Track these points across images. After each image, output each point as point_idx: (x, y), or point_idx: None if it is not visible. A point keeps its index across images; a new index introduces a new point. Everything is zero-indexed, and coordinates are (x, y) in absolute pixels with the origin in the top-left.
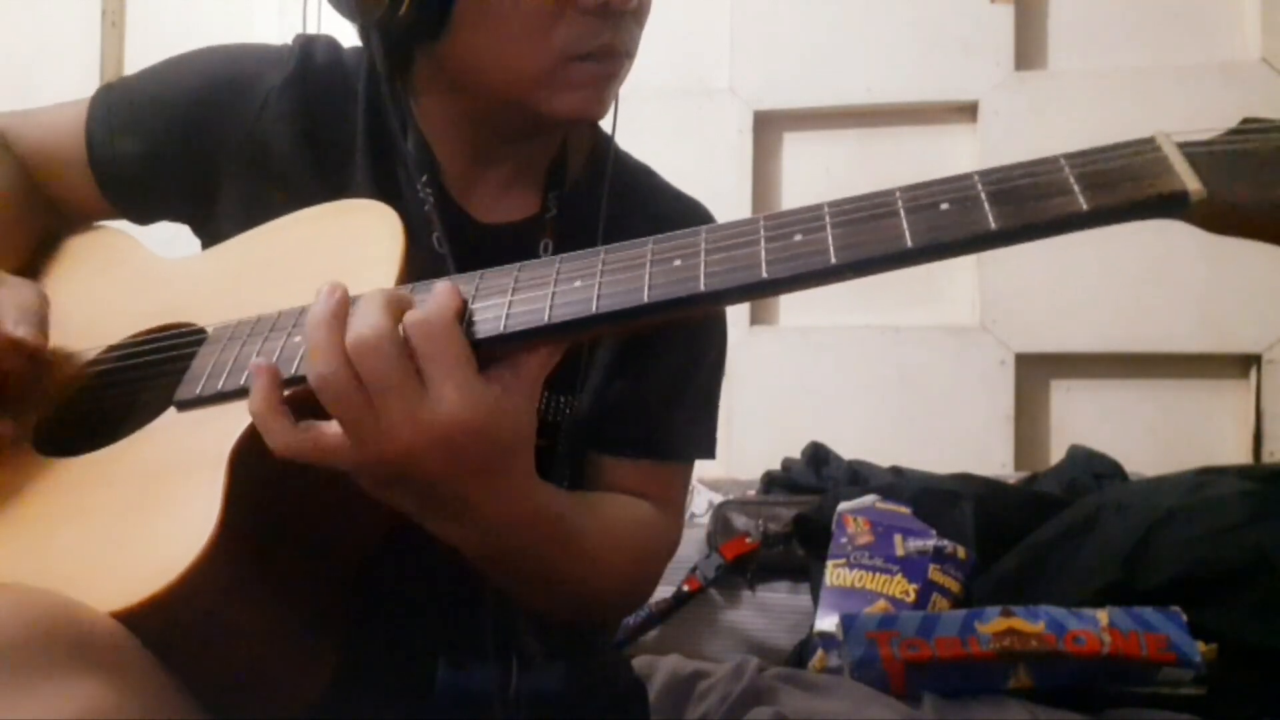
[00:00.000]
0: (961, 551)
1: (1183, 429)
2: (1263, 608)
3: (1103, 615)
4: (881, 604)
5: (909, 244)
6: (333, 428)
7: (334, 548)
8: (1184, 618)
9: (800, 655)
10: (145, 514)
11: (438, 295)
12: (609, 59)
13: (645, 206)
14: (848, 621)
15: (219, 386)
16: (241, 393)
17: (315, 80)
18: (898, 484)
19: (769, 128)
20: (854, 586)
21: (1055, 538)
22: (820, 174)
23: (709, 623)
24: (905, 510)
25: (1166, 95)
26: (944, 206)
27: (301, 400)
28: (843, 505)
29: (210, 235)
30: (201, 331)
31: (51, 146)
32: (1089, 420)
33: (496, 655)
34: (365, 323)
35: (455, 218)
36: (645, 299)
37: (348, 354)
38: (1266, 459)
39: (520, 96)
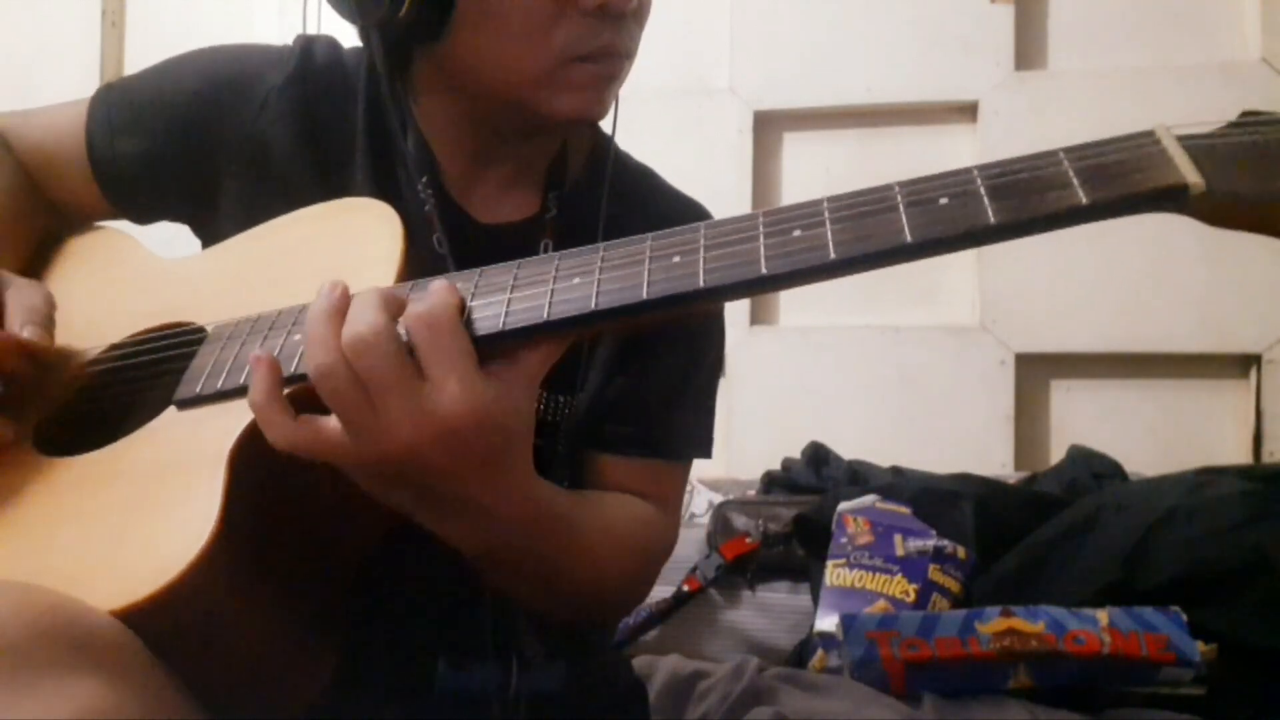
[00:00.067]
0: (961, 551)
1: (1183, 429)
2: (1263, 608)
3: (1103, 615)
4: (881, 604)
5: (908, 239)
6: (332, 422)
7: (334, 547)
8: (1184, 618)
9: (800, 655)
10: (145, 513)
11: (437, 290)
12: (609, 59)
13: (645, 207)
14: (848, 621)
15: (219, 385)
16: (241, 391)
17: (315, 80)
18: (898, 484)
19: (769, 128)
20: (854, 586)
21: (1055, 538)
22: (820, 174)
23: (709, 623)
24: (905, 510)
25: (1166, 95)
26: (943, 201)
27: (302, 398)
28: (843, 505)
29: (210, 235)
30: (201, 330)
31: (51, 147)
32: (1089, 420)
33: (496, 655)
34: (362, 320)
35: (455, 218)
36: (644, 295)
37: (344, 351)
38: (1266, 459)
39: (520, 97)
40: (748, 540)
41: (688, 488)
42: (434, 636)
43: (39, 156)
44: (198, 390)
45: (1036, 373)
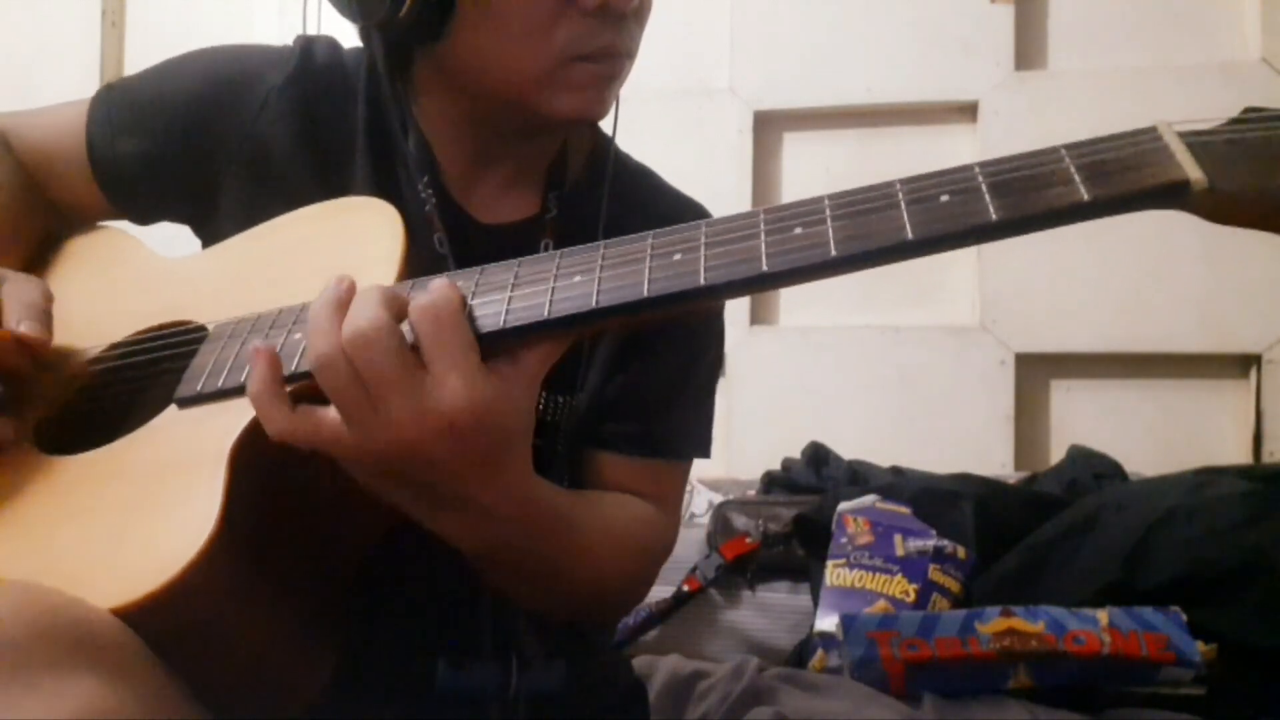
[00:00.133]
0: (961, 551)
1: (1183, 429)
2: (1263, 608)
3: (1103, 615)
4: (881, 604)
5: (909, 236)
6: (331, 414)
7: (334, 546)
8: (1184, 618)
9: (800, 655)
10: (146, 511)
11: (441, 285)
12: (609, 59)
13: (645, 207)
14: (848, 621)
15: (219, 384)
16: (242, 390)
17: (315, 80)
18: (898, 484)
19: (769, 128)
20: (854, 586)
21: (1055, 538)
22: (820, 174)
23: (709, 623)
24: (905, 510)
25: (1166, 95)
26: (944, 198)
27: (303, 396)
28: (843, 505)
29: (211, 235)
30: (202, 330)
31: (52, 147)
32: (1089, 420)
33: (496, 655)
34: (363, 315)
35: (455, 218)
36: (645, 293)
37: (344, 346)
38: (1266, 459)
39: (521, 97)
40: (748, 540)
41: (688, 488)
42: (434, 636)
43: (39, 157)
44: (198, 389)
45: (1036, 373)
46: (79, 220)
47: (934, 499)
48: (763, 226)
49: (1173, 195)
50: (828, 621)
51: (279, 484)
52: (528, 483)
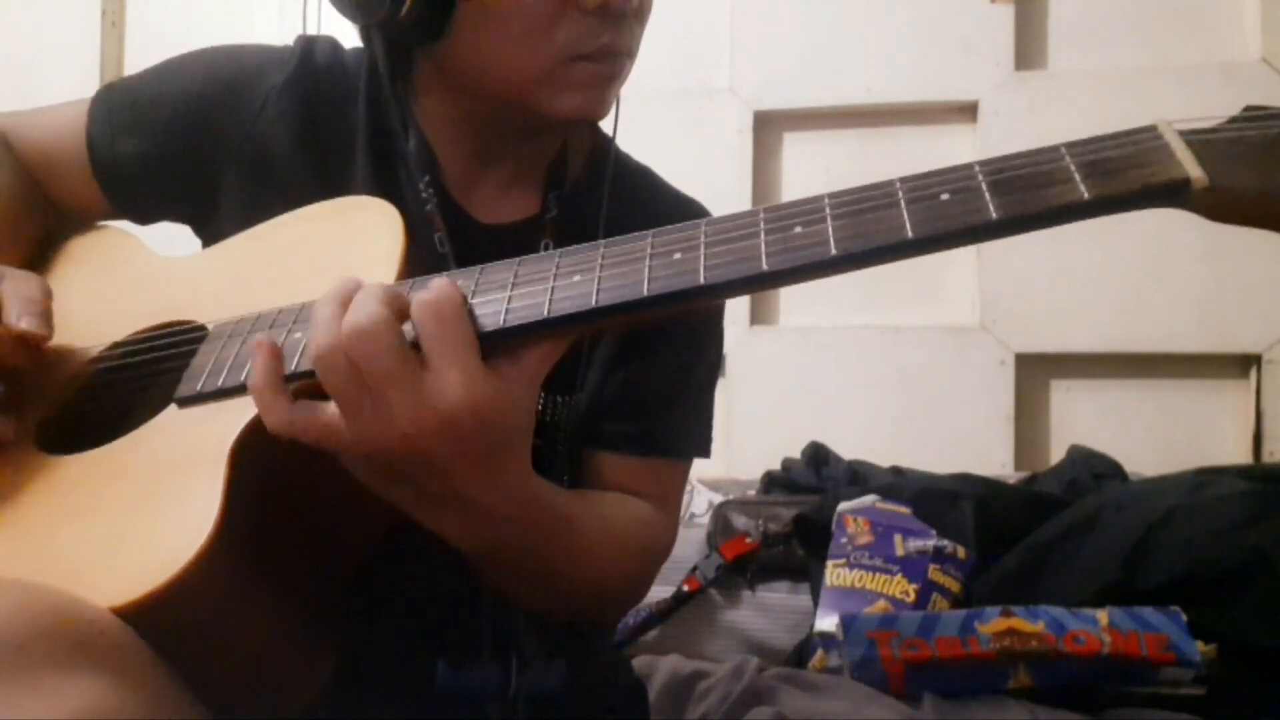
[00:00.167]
0: (961, 551)
1: (1183, 429)
2: (1263, 608)
3: (1103, 615)
4: (881, 604)
5: (909, 235)
6: (330, 408)
7: (334, 546)
8: (1184, 618)
9: (800, 655)
10: (146, 511)
11: (441, 283)
12: (610, 59)
13: (645, 207)
14: (848, 621)
15: (219, 383)
16: (242, 389)
17: (316, 81)
18: (898, 484)
19: (769, 128)
20: (854, 586)
21: (1055, 538)
22: (820, 174)
23: (709, 623)
24: (905, 510)
25: (1166, 95)
26: (945, 197)
27: (303, 393)
28: (843, 505)
29: (211, 235)
30: (202, 329)
31: (52, 147)
32: (1089, 420)
33: (495, 655)
34: (363, 310)
35: (455, 218)
36: (645, 292)
37: (343, 340)
38: (1266, 459)
39: (521, 97)
40: (748, 540)
41: (688, 488)
42: (434, 636)
43: (40, 156)
44: (198, 388)
45: (1036, 373)
46: (79, 220)
47: (934, 499)
48: (763, 225)
49: (1173, 194)
50: (828, 621)
51: (279, 483)
52: (528, 483)
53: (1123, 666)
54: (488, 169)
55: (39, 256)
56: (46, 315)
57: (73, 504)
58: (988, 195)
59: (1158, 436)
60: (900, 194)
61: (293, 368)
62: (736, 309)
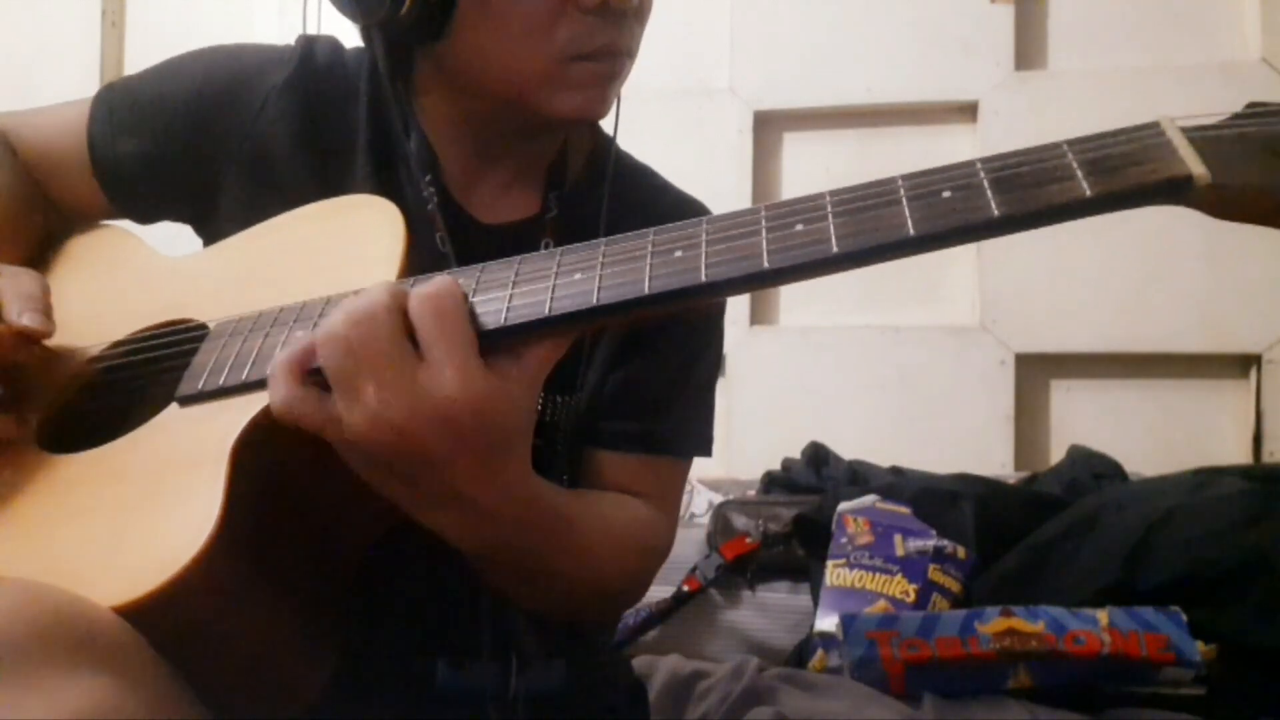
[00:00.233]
0: (961, 551)
1: (1183, 429)
2: (1263, 608)
3: (1103, 615)
4: (881, 604)
5: (911, 232)
6: (331, 396)
7: (334, 546)
8: (1184, 618)
9: (800, 655)
10: (147, 510)
11: (440, 279)
12: (610, 58)
13: (645, 206)
14: (848, 621)
15: (220, 382)
16: (243, 388)
17: (316, 80)
18: (898, 484)
19: (769, 128)
20: (854, 586)
21: (1055, 538)
22: (820, 174)
23: (709, 623)
24: (905, 510)
25: (1166, 95)
26: (946, 194)
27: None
28: (843, 505)
29: (212, 235)
30: (203, 328)
31: (53, 147)
32: (1089, 420)
33: (495, 655)
34: (366, 297)
35: (456, 217)
36: (646, 290)
37: (343, 321)
38: (1266, 459)
39: (521, 96)
40: (748, 540)
41: (688, 488)
42: (434, 636)
43: (40, 156)
44: (199, 387)
45: (1036, 373)
46: (80, 219)
47: (934, 499)
48: (764, 223)
49: (1175, 191)
50: (828, 621)
51: (280, 483)
52: (527, 482)
53: (1123, 666)
54: (488, 169)
55: (39, 256)
56: (47, 311)
57: (73, 503)
58: (989, 193)
59: (1158, 436)
60: (902, 191)
61: None
62: (736, 309)
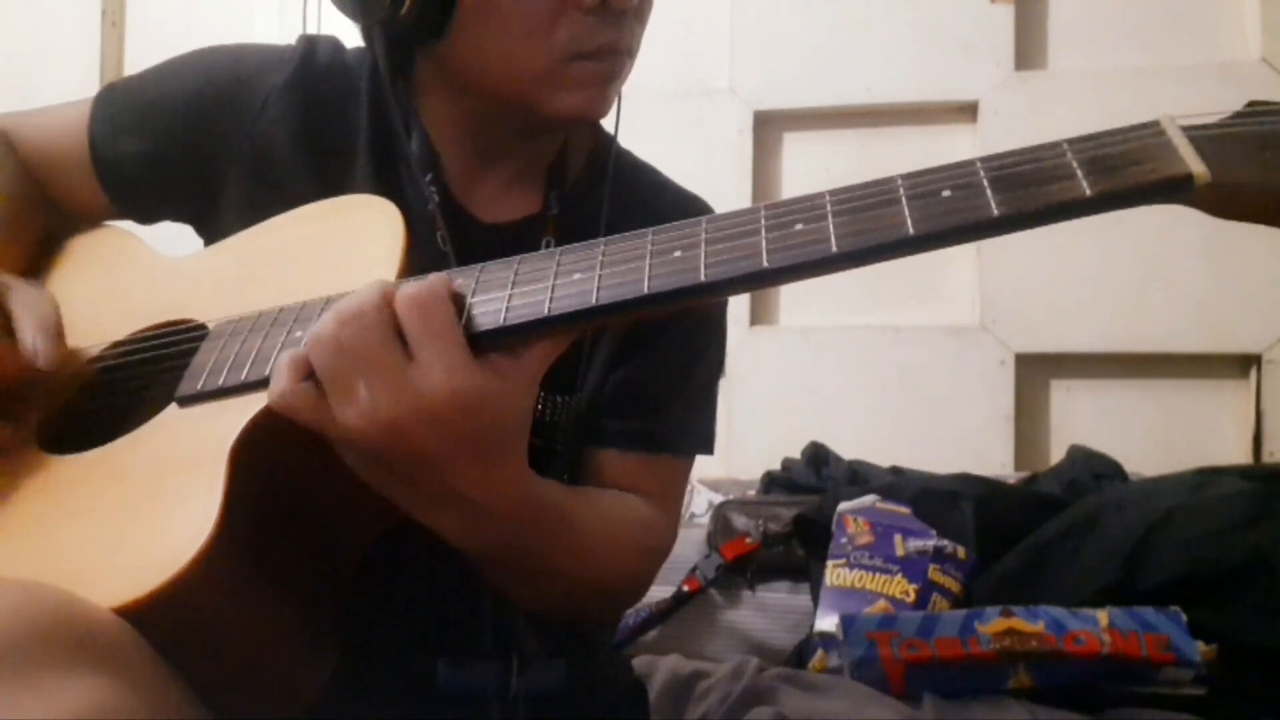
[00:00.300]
0: (961, 551)
1: (1183, 429)
2: (1263, 608)
3: (1103, 615)
4: (881, 604)
5: (910, 232)
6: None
7: (334, 545)
8: (1184, 618)
9: (800, 655)
10: (147, 510)
11: (428, 278)
12: (610, 58)
13: (647, 204)
14: (848, 621)
15: (220, 383)
16: (242, 388)
17: (317, 80)
18: (898, 484)
19: (769, 128)
20: (854, 586)
21: (1055, 538)
22: (820, 174)
23: (709, 623)
24: (905, 510)
25: (1166, 95)
26: (946, 194)
27: None
28: (843, 505)
29: (213, 235)
30: (203, 328)
31: (54, 147)
32: (1089, 420)
33: (496, 654)
34: (356, 296)
35: (457, 217)
36: (645, 290)
37: (333, 320)
38: (1266, 459)
39: (522, 96)
40: (748, 540)
41: (688, 487)
42: (434, 636)
43: (41, 157)
44: (199, 387)
45: (1036, 373)
46: (81, 219)
47: (934, 499)
48: (763, 222)
49: (1176, 189)
50: (828, 621)
51: (280, 483)
52: (525, 481)
53: (1123, 666)
54: (489, 168)
55: (41, 256)
56: (60, 333)
57: (74, 504)
58: (989, 192)
59: (1158, 436)
60: (901, 191)
61: None
62: (736, 309)
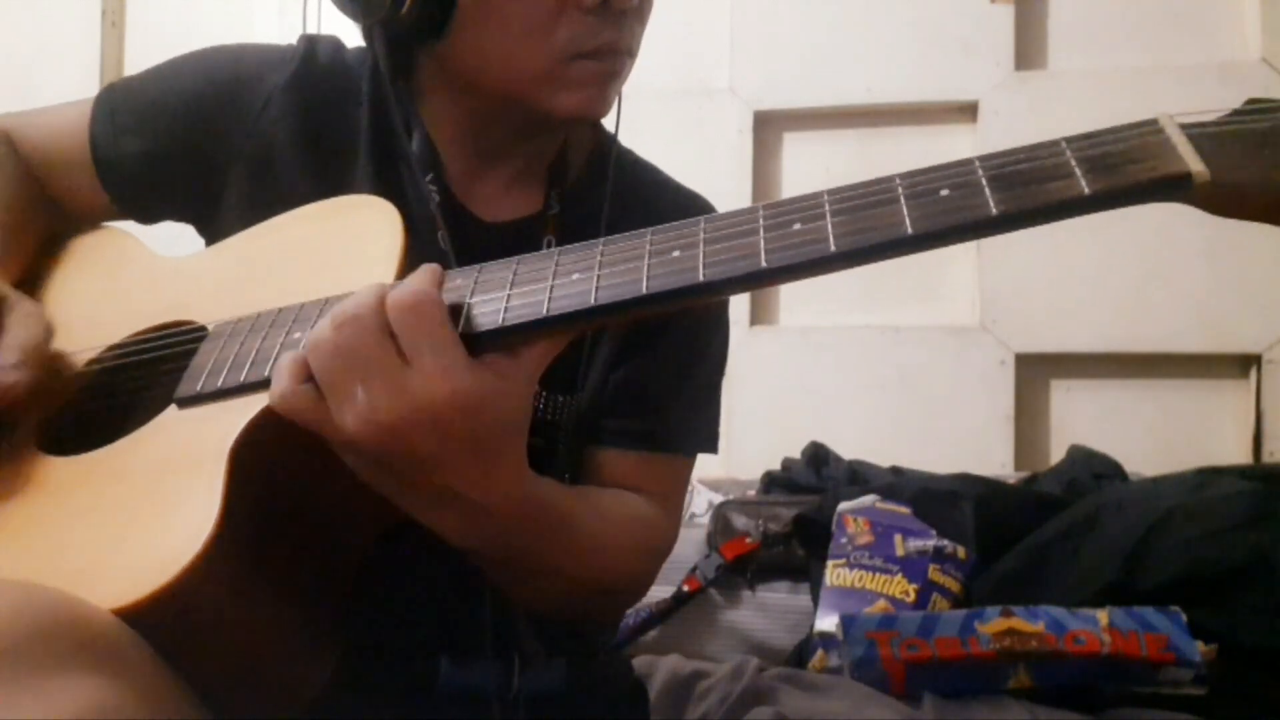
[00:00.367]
0: (961, 551)
1: (1183, 429)
2: (1263, 608)
3: (1103, 615)
4: (881, 604)
5: (909, 231)
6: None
7: (335, 545)
8: (1184, 618)
9: (800, 655)
10: (146, 511)
11: (416, 281)
12: (610, 57)
13: (647, 203)
14: (848, 621)
15: (219, 384)
16: (241, 389)
17: (318, 80)
18: (898, 484)
19: (769, 128)
20: (854, 586)
21: (1055, 538)
22: (820, 174)
23: (709, 623)
24: (905, 510)
25: (1166, 95)
26: (944, 193)
27: None
28: (843, 505)
29: (214, 235)
30: (202, 329)
31: (55, 147)
32: (1089, 420)
33: (497, 654)
34: (351, 299)
35: (458, 216)
36: (644, 290)
37: (330, 324)
38: (1266, 459)
39: (522, 95)
40: (748, 540)
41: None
42: (435, 635)
43: (42, 157)
44: (198, 388)
45: (1036, 373)
46: (82, 219)
47: (934, 499)
48: (762, 222)
49: (1175, 188)
50: (828, 621)
51: (279, 483)
52: (523, 480)
53: (1123, 666)
54: (490, 167)
55: (42, 257)
56: (40, 362)
57: (73, 505)
58: (988, 191)
59: (1158, 436)
60: (900, 190)
61: None
62: (736, 309)
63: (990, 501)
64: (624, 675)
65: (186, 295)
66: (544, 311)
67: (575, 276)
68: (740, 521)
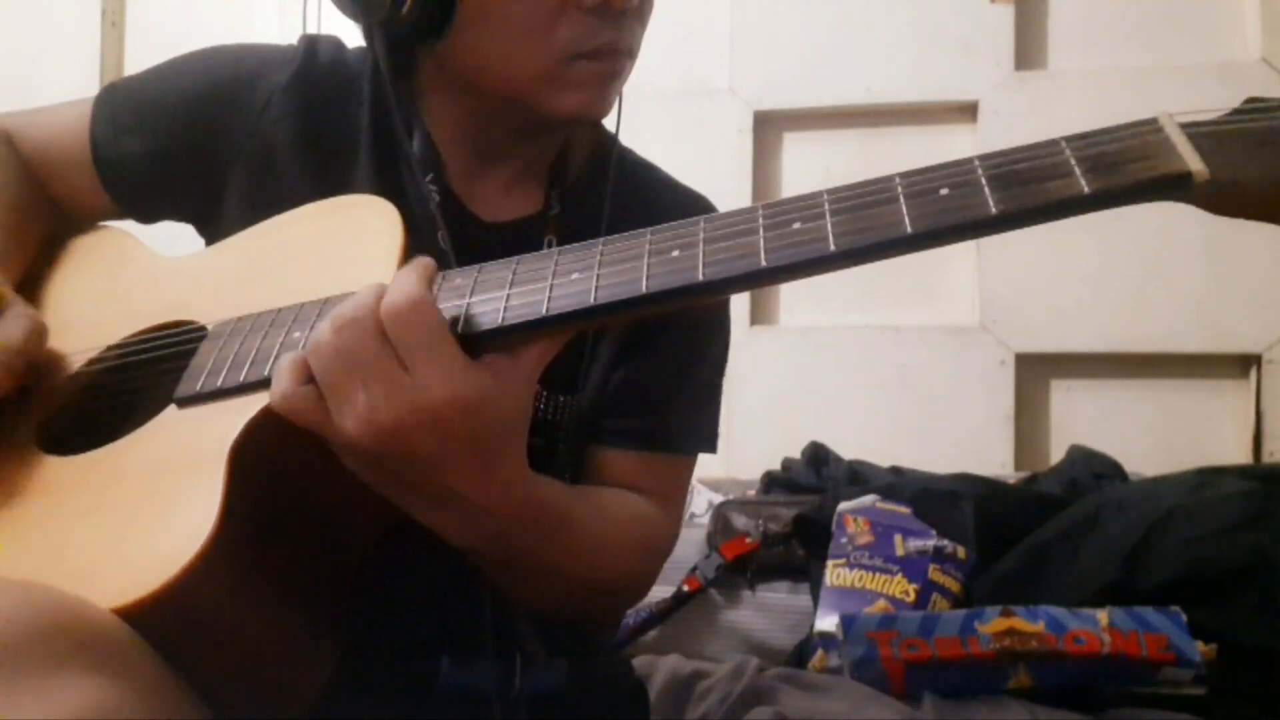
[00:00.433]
0: (961, 551)
1: (1183, 429)
2: (1263, 608)
3: (1103, 615)
4: (881, 604)
5: (908, 230)
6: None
7: (335, 545)
8: (1184, 618)
9: (800, 655)
10: (146, 511)
11: (405, 287)
12: (611, 57)
13: (648, 203)
14: (848, 621)
15: (219, 383)
16: (241, 389)
17: (318, 80)
18: (898, 484)
19: (769, 128)
20: (854, 586)
21: (1055, 538)
22: (820, 174)
23: (709, 623)
24: (905, 510)
25: (1166, 95)
26: (944, 192)
27: None
28: (843, 505)
29: (214, 234)
30: (202, 329)
31: (55, 147)
32: (1089, 420)
33: (498, 654)
34: (349, 302)
35: (458, 216)
36: (643, 290)
37: (330, 326)
38: (1266, 459)
39: (523, 95)
40: (748, 540)
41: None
42: (436, 635)
43: (42, 156)
44: (198, 388)
45: (1036, 373)
46: (82, 219)
47: (934, 499)
48: (761, 222)
49: (1174, 187)
50: (828, 621)
51: (279, 483)
52: (523, 480)
53: (1123, 666)
54: (491, 167)
55: (42, 257)
56: (17, 372)
57: (74, 505)
58: (987, 190)
59: (1158, 436)
60: (899, 189)
61: None
62: (736, 309)
63: (990, 501)
64: (624, 675)
65: (186, 295)
66: (543, 311)
67: (575, 276)
68: (740, 521)
